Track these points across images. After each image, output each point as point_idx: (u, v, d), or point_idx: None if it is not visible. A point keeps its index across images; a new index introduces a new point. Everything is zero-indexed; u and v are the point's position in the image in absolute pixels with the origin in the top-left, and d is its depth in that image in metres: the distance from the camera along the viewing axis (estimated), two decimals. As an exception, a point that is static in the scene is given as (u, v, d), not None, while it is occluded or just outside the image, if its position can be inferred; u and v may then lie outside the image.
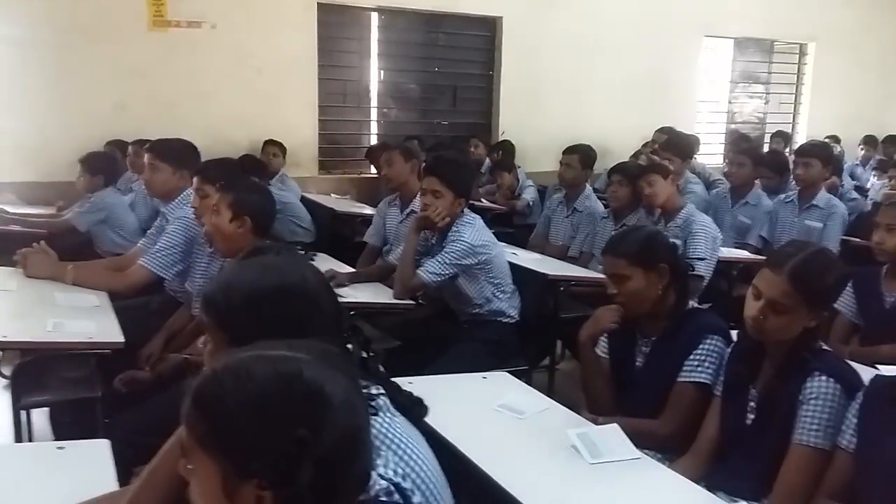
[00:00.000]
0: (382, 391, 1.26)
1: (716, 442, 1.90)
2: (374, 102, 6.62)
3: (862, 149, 7.85)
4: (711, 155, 7.76)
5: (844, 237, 4.23)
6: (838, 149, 7.83)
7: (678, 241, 3.70)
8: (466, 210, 3.11)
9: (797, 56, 8.44)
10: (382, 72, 6.59)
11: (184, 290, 3.01)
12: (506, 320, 3.16)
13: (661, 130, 6.46)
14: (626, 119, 7.17)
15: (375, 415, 1.14)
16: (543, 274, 3.37)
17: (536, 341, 3.36)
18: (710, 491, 1.67)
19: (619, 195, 4.05)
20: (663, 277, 2.09)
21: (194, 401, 0.89)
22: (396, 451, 1.17)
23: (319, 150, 6.26)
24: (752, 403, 1.84)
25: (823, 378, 1.68)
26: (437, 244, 3.14)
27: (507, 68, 6.83)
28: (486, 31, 6.82)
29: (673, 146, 5.38)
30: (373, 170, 6.12)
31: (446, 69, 6.80)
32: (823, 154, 4.40)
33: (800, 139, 8.34)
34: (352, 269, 3.48)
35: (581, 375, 2.28)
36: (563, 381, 3.66)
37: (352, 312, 2.85)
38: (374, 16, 6.46)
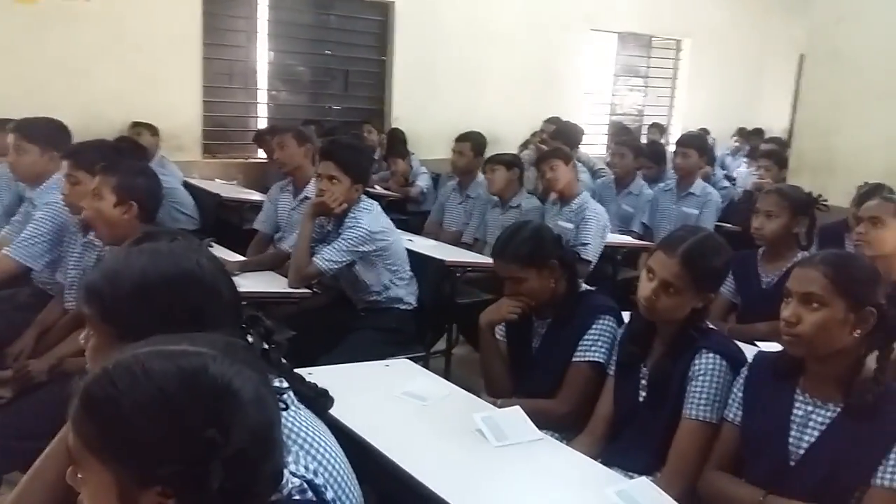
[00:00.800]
0: (287, 384, 1.21)
1: (610, 420, 1.97)
2: (262, 84, 6.39)
3: (735, 140, 8.42)
4: (594, 145, 8.05)
5: (718, 223, 4.52)
6: (710, 140, 8.35)
7: (571, 226, 3.91)
8: (364, 196, 3.05)
9: (674, 52, 8.90)
10: (271, 53, 6.37)
11: (54, 282, 2.79)
12: (404, 307, 3.15)
13: (549, 121, 6.63)
14: (517, 108, 7.30)
15: (286, 409, 1.09)
16: (440, 260, 3.37)
17: (433, 327, 3.37)
18: (607, 467, 1.73)
19: (493, 179, 4.08)
20: (555, 272, 2.14)
21: (83, 403, 0.81)
22: (304, 445, 1.13)
23: (204, 132, 5.97)
24: (643, 381, 1.91)
25: (710, 355, 1.78)
26: (333, 231, 3.07)
27: (401, 54, 6.77)
28: (379, 15, 6.73)
29: (562, 135, 5.55)
30: (261, 154, 5.91)
31: (338, 52, 6.65)
32: (700, 144, 4.68)
33: (675, 131, 8.82)
34: (242, 258, 3.35)
35: (480, 359, 2.31)
36: (458, 365, 3.70)
37: (243, 303, 2.74)
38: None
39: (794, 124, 4.94)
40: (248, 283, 2.90)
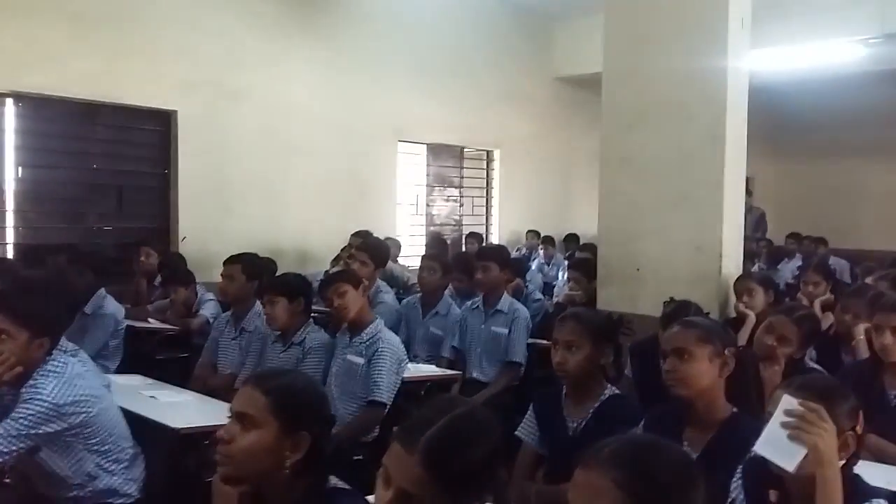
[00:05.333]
0: None
1: None
2: (9, 205, 5.38)
3: (541, 248, 8.34)
4: (412, 257, 7.68)
5: (532, 339, 4.10)
6: (522, 250, 8.24)
7: (361, 360, 3.28)
8: (56, 352, 2.26)
9: (485, 162, 8.90)
10: (21, 168, 5.41)
11: None
12: (121, 501, 2.31)
13: (357, 234, 6.13)
14: (326, 222, 6.79)
15: None
16: (174, 429, 2.57)
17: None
18: None
19: (272, 315, 3.41)
20: (300, 445, 1.49)
21: None
22: None
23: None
24: None
25: None
26: (12, 403, 2.22)
27: (186, 166, 6.07)
28: (159, 125, 6.03)
29: (368, 248, 5.02)
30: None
31: (108, 166, 5.83)
32: (501, 257, 4.31)
33: (494, 239, 8.68)
34: None
35: None
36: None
37: None
38: (10, 102, 5.33)
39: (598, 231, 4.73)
40: None
